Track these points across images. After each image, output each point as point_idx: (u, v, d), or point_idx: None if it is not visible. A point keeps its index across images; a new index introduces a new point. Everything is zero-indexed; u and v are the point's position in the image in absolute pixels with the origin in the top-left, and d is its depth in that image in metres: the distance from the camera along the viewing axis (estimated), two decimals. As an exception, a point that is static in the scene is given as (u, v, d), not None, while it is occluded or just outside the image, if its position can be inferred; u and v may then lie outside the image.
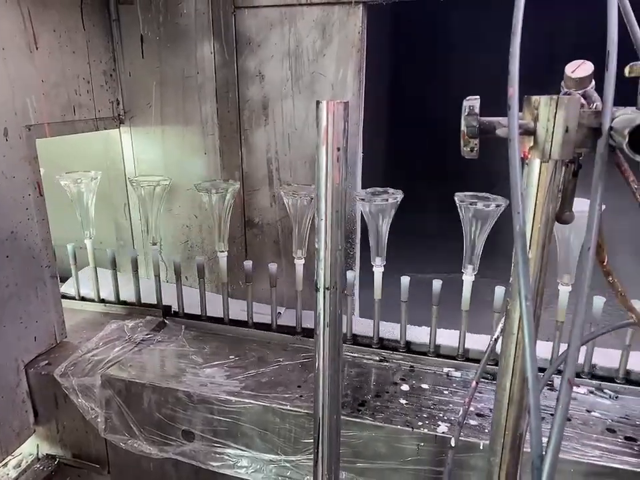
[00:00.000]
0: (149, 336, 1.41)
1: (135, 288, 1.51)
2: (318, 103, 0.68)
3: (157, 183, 1.50)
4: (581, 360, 1.18)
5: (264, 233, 1.61)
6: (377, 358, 1.32)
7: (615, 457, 0.95)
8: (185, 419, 1.17)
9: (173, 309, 1.53)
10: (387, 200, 1.25)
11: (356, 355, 1.33)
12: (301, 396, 1.14)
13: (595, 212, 0.54)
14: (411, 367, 1.28)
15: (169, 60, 1.55)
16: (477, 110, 0.63)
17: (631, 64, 0.63)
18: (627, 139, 0.38)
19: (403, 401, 1.12)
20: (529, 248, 0.62)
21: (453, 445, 0.88)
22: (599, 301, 1.09)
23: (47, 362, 1.30)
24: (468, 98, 0.64)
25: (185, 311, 1.49)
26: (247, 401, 1.12)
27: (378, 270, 1.30)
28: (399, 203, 1.26)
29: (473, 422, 1.05)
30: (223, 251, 1.43)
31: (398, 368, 1.27)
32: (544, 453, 0.47)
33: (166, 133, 1.63)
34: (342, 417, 1.05)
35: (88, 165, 1.59)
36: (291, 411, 1.09)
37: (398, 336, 1.32)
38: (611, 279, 0.71)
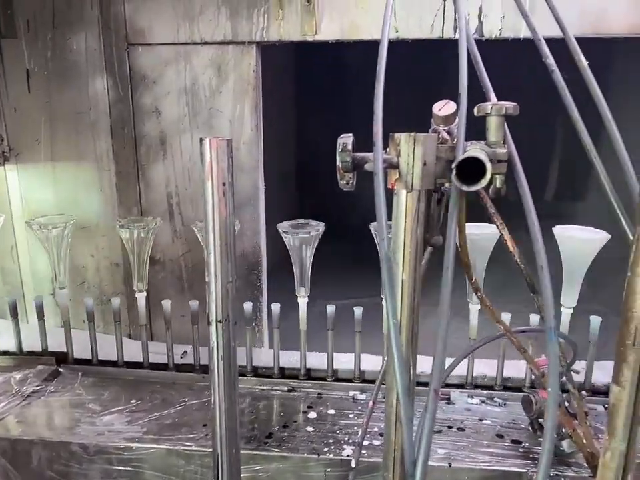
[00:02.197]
0: (39, 387, 1.30)
1: (16, 336, 1.40)
2: (201, 140, 0.70)
3: (64, 224, 1.40)
4: (475, 373, 1.27)
5: (166, 270, 1.57)
6: (285, 388, 1.32)
7: (503, 460, 1.02)
8: (81, 473, 1.10)
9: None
10: (310, 232, 1.27)
11: (264, 387, 1.33)
12: (207, 435, 1.11)
13: (451, 236, 0.60)
14: (319, 394, 1.30)
15: (59, 95, 1.50)
16: (349, 147, 0.68)
17: (479, 105, 0.72)
18: (454, 172, 0.44)
19: (309, 429, 1.14)
20: (402, 270, 0.67)
21: (353, 465, 0.91)
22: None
23: None
24: (342, 136, 0.69)
25: (84, 357, 1.41)
26: (148, 445, 1.07)
27: (302, 300, 1.32)
28: (320, 234, 1.28)
29: (376, 442, 1.09)
30: (142, 291, 1.38)
31: (306, 396, 1.29)
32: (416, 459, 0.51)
33: (57, 170, 1.56)
34: (248, 451, 1.05)
35: (-33, 206, 1.47)
36: (196, 451, 1.06)
37: (306, 365, 1.34)
38: (479, 294, 0.79)
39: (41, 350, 1.41)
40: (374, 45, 1.35)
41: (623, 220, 0.71)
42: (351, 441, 1.09)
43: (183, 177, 1.51)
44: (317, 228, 1.26)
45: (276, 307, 1.30)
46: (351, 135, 0.70)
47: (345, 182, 0.70)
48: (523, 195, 0.68)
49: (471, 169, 0.46)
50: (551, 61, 0.79)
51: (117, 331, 1.37)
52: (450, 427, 1.13)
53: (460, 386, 1.28)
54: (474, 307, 1.18)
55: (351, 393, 1.28)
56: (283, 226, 1.26)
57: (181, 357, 1.43)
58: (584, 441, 0.82)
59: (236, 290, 1.49)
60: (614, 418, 0.67)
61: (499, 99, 0.71)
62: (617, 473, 0.67)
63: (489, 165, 0.42)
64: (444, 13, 1.35)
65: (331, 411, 1.21)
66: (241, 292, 1.52)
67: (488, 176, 0.42)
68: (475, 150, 0.58)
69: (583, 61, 0.79)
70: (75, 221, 1.42)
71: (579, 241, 1.05)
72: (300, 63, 3.81)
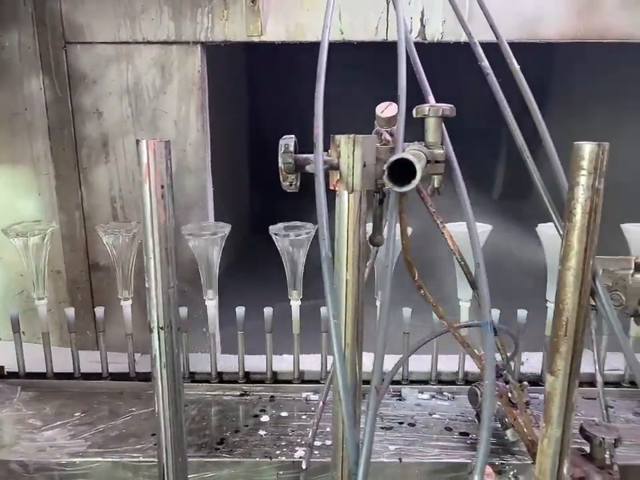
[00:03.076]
0: (-26, 404, 1.23)
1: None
2: (138, 142, 0.68)
3: (43, 232, 1.30)
4: (426, 368, 1.30)
5: (111, 276, 1.52)
6: (238, 393, 1.31)
7: (452, 452, 1.05)
8: (21, 492, 1.04)
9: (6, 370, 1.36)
10: (300, 234, 1.25)
11: (216, 392, 1.30)
12: (156, 444, 1.08)
13: (391, 235, 0.61)
14: (271, 396, 1.29)
15: (-10, 95, 1.43)
16: (291, 148, 0.68)
17: (417, 106, 0.74)
18: (385, 173, 0.44)
19: (262, 432, 1.13)
20: (346, 270, 0.68)
21: (304, 467, 0.91)
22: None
23: None
24: (284, 137, 0.69)
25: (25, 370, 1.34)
26: (93, 459, 1.03)
27: (212, 303, 1.30)
28: (312, 236, 1.26)
29: (329, 442, 1.09)
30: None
31: (258, 400, 1.28)
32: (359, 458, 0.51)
33: (-9, 174, 1.48)
34: (199, 459, 1.03)
35: None
36: (144, 462, 1.03)
37: (260, 368, 1.33)
38: (422, 291, 0.81)
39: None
40: (333, 45, 1.36)
41: (554, 217, 0.74)
42: (303, 442, 1.08)
43: (127, 179, 1.46)
44: (308, 230, 1.23)
45: (240, 311, 1.28)
46: (292, 136, 0.70)
47: (287, 183, 0.69)
48: (460, 194, 0.70)
49: (404, 171, 0.46)
50: (485, 64, 0.82)
51: (72, 343, 1.31)
52: (401, 423, 1.15)
53: (419, 382, 1.31)
54: (295, 303, 1.25)
55: (304, 394, 1.28)
56: (276, 228, 1.24)
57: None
58: (524, 430, 0.85)
59: (186, 295, 1.49)
60: (549, 406, 0.70)
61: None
62: (554, 459, 0.70)
63: (418, 167, 0.43)
64: (387, 16, 1.38)
65: (284, 413, 1.20)
66: (191, 297, 1.49)
67: (418, 177, 0.43)
68: (410, 151, 0.59)
69: (515, 65, 0.82)
70: (54, 229, 1.34)
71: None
72: (254, 62, 3.78)
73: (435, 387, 1.28)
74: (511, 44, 1.34)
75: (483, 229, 1.19)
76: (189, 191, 1.48)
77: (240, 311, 1.28)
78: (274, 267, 1.33)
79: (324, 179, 0.62)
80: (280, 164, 0.67)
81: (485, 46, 0.85)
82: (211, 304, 1.29)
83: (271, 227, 1.26)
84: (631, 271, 0.83)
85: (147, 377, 1.32)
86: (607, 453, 0.87)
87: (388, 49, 1.37)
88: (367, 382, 1.28)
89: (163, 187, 0.68)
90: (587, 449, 0.82)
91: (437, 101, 0.75)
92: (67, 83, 1.42)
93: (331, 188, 0.67)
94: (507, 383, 0.94)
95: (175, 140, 1.44)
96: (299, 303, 1.26)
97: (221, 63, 2.61)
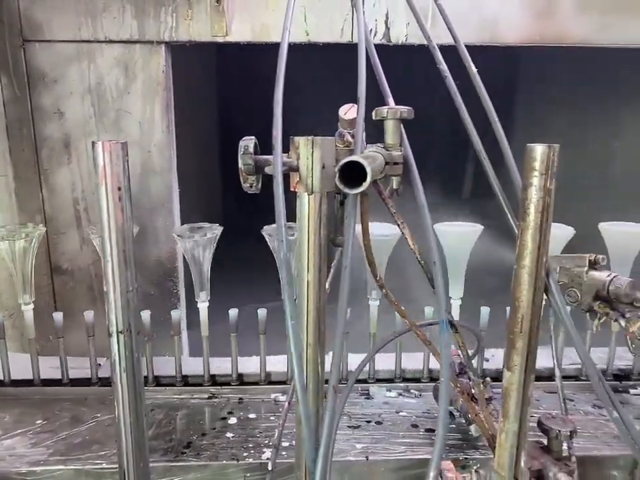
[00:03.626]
0: None
1: None
2: (93, 143, 0.67)
3: (31, 235, 1.25)
4: (392, 367, 1.32)
5: (75, 280, 1.49)
6: (206, 395, 1.30)
7: (417, 449, 1.07)
8: (-21, 504, 1.01)
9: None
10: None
11: (183, 396, 1.29)
12: (121, 450, 1.06)
13: (349, 236, 0.62)
14: (240, 399, 1.28)
15: (-57, 98, 1.38)
16: (251, 149, 0.67)
17: (376, 109, 0.75)
18: (337, 175, 0.45)
19: (229, 435, 1.12)
20: (307, 271, 0.68)
21: (270, 468, 0.91)
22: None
23: None
24: (244, 138, 0.69)
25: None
26: (54, 467, 1.01)
27: (203, 305, 1.29)
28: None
29: (297, 442, 1.09)
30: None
31: (227, 402, 1.27)
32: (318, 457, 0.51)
33: (-54, 176, 1.42)
34: (164, 463, 1.01)
35: None
36: (107, 469, 1.01)
37: (228, 370, 1.32)
38: (384, 291, 0.82)
39: None
40: (299, 46, 1.37)
41: (509, 216, 0.76)
42: (271, 443, 1.08)
43: (89, 181, 1.43)
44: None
45: (233, 312, 1.27)
46: (253, 137, 0.69)
47: (248, 185, 0.69)
48: (417, 195, 0.71)
49: (357, 173, 0.47)
50: (444, 67, 0.84)
51: (32, 348, 1.27)
52: (368, 422, 1.16)
53: (386, 380, 1.32)
54: (373, 303, 1.24)
55: (273, 395, 1.28)
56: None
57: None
58: (485, 425, 0.87)
59: (152, 298, 1.47)
60: (507, 401, 0.72)
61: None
62: (512, 452, 0.72)
63: (369, 169, 0.43)
64: (353, 18, 1.39)
65: (252, 415, 1.20)
66: (157, 300, 1.48)
67: (368, 179, 0.43)
68: (365, 154, 0.60)
69: (473, 68, 0.84)
70: (41, 232, 1.29)
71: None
72: (223, 62, 3.75)
73: (402, 384, 1.30)
74: (474, 47, 1.37)
75: (474, 228, 1.22)
76: (155, 192, 1.46)
77: (233, 312, 1.27)
78: (241, 268, 1.33)
79: (284, 180, 0.62)
80: (240, 165, 0.67)
81: (450, 48, 0.87)
82: (203, 306, 1.28)
83: (174, 229, 1.26)
84: (586, 268, 0.86)
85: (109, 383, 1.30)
86: (565, 444, 0.90)
87: (354, 50, 1.39)
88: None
89: (120, 189, 0.67)
90: (545, 441, 0.84)
91: (407, 102, 0.76)
92: (25, 82, 1.38)
93: (292, 189, 0.67)
94: (470, 379, 0.96)
95: (139, 141, 1.42)
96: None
97: (189, 63, 2.58)
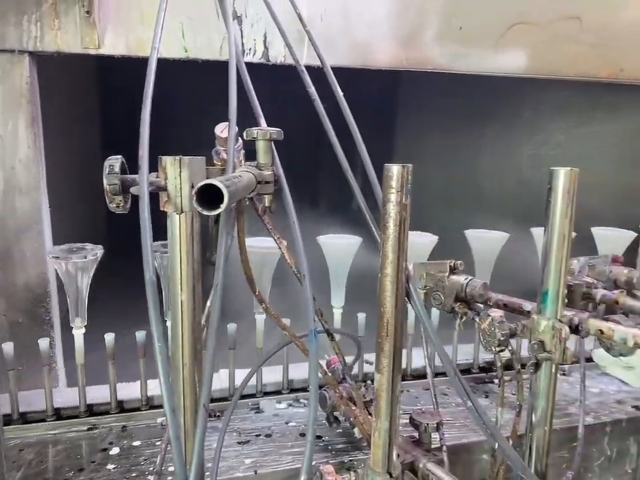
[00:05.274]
0: None
1: None
2: None
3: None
4: (279, 379, 1.34)
5: None
6: (85, 427, 1.21)
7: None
8: None
9: None
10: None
11: (58, 431, 1.20)
12: (-18, 499, 0.96)
13: (221, 254, 0.63)
14: (123, 426, 1.22)
15: None
16: (117, 169, 0.66)
17: (247, 129, 0.77)
18: (195, 197, 0.46)
19: (110, 467, 1.06)
20: (181, 291, 0.68)
21: (152, 496, 0.88)
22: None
23: None
24: (109, 158, 0.68)
25: None
26: None
27: (78, 332, 1.21)
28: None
29: (185, 465, 1.06)
30: None
31: (109, 432, 1.20)
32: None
33: None
34: (35, 507, 0.93)
35: None
36: (-34, 521, 0.91)
37: (108, 398, 1.25)
38: (264, 305, 0.84)
39: None
40: (179, 62, 1.35)
41: (373, 227, 0.82)
42: (156, 470, 1.04)
43: (-60, 202, 1.29)
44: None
45: (110, 337, 1.19)
46: (119, 157, 0.68)
47: (115, 205, 0.68)
48: (288, 212, 0.75)
49: (221, 193, 0.49)
50: (312, 90, 0.89)
51: None
52: (258, 435, 1.17)
53: (275, 392, 1.33)
54: (259, 317, 1.25)
55: (159, 419, 1.24)
56: (56, 251, 1.16)
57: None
58: (364, 426, 0.92)
59: (21, 327, 1.34)
60: (378, 401, 0.78)
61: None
62: (384, 449, 0.78)
63: (225, 192, 0.45)
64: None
65: (136, 443, 1.15)
66: (26, 329, 1.36)
67: (225, 201, 0.45)
68: (236, 173, 0.62)
69: (339, 91, 0.90)
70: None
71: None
72: (102, 75, 3.56)
73: (291, 395, 1.32)
74: (354, 70, 1.46)
75: (431, 238, 1.33)
76: (21, 212, 1.35)
77: (109, 337, 1.19)
78: (126, 289, 1.27)
79: (150, 200, 0.62)
80: (105, 185, 0.66)
81: (337, 71, 0.92)
82: (78, 333, 1.20)
83: (49, 250, 1.19)
84: (447, 273, 0.96)
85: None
86: (437, 436, 0.99)
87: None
88: (221, 399, 1.28)
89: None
90: (417, 435, 0.91)
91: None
92: None
93: (161, 209, 0.67)
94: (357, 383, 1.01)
95: (0, 156, 1.31)
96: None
97: (63, 75, 2.43)
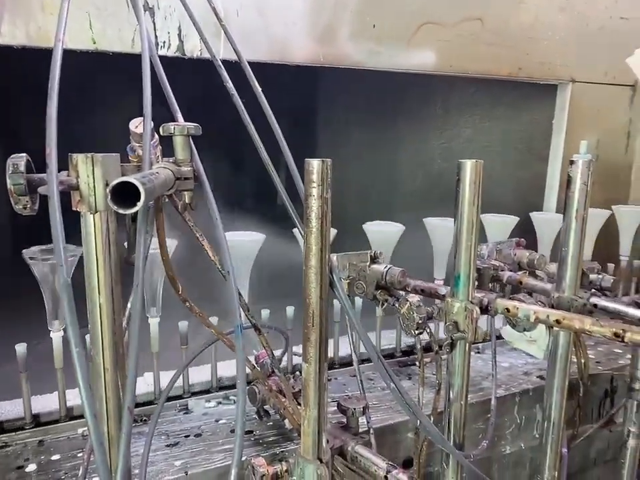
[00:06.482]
0: None
1: None
2: None
3: None
4: (207, 377, 1.32)
5: None
6: (-4, 446, 1.13)
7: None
8: None
9: None
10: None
11: (-35, 452, 1.10)
12: None
13: (140, 253, 0.62)
14: (40, 441, 1.15)
15: None
16: (22, 168, 0.62)
17: (163, 125, 0.76)
18: (109, 195, 0.45)
19: (28, 485, 1.00)
20: (99, 293, 0.66)
21: (76, 509, 0.84)
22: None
23: None
24: (13, 156, 0.63)
25: None
26: None
27: (57, 335, 1.12)
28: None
29: (111, 474, 1.02)
30: None
31: (24, 448, 1.12)
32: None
33: None
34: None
35: None
36: None
37: (21, 413, 1.17)
38: (188, 304, 0.83)
39: None
40: (86, 54, 1.27)
41: (296, 222, 0.84)
42: (79, 482, 1.00)
43: None
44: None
45: (21, 348, 1.10)
46: (24, 155, 0.64)
47: (21, 207, 0.64)
48: (211, 209, 0.74)
49: (137, 191, 0.47)
50: (230, 85, 0.88)
51: None
52: (187, 436, 1.15)
53: (204, 392, 1.31)
54: (153, 321, 1.21)
55: (80, 430, 1.18)
56: (32, 251, 1.07)
57: None
58: (294, 417, 0.94)
59: None
60: (307, 390, 0.79)
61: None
62: (314, 437, 0.80)
63: (142, 189, 0.44)
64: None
65: (55, 457, 1.09)
66: None
67: (142, 199, 0.44)
68: (153, 170, 0.60)
69: (257, 87, 0.90)
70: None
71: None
72: (6, 66, 3.28)
73: (220, 393, 1.31)
74: (271, 65, 1.46)
75: (397, 228, 1.40)
76: None
77: (21, 348, 1.10)
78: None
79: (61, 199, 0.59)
80: (9, 186, 0.62)
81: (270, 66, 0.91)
82: (56, 336, 1.11)
83: (25, 251, 1.12)
84: (368, 263, 0.99)
85: None
86: (364, 420, 1.03)
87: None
88: (147, 403, 1.25)
89: None
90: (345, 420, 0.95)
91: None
92: None
93: (73, 209, 0.64)
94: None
95: None
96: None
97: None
